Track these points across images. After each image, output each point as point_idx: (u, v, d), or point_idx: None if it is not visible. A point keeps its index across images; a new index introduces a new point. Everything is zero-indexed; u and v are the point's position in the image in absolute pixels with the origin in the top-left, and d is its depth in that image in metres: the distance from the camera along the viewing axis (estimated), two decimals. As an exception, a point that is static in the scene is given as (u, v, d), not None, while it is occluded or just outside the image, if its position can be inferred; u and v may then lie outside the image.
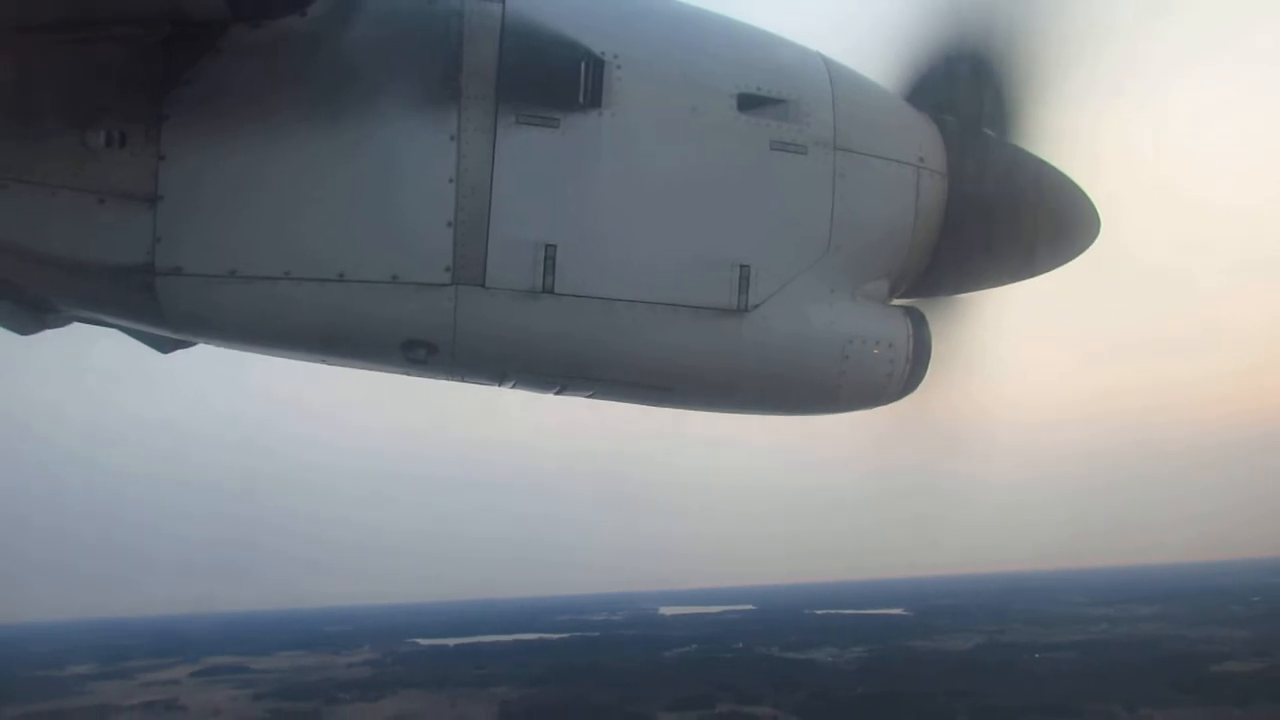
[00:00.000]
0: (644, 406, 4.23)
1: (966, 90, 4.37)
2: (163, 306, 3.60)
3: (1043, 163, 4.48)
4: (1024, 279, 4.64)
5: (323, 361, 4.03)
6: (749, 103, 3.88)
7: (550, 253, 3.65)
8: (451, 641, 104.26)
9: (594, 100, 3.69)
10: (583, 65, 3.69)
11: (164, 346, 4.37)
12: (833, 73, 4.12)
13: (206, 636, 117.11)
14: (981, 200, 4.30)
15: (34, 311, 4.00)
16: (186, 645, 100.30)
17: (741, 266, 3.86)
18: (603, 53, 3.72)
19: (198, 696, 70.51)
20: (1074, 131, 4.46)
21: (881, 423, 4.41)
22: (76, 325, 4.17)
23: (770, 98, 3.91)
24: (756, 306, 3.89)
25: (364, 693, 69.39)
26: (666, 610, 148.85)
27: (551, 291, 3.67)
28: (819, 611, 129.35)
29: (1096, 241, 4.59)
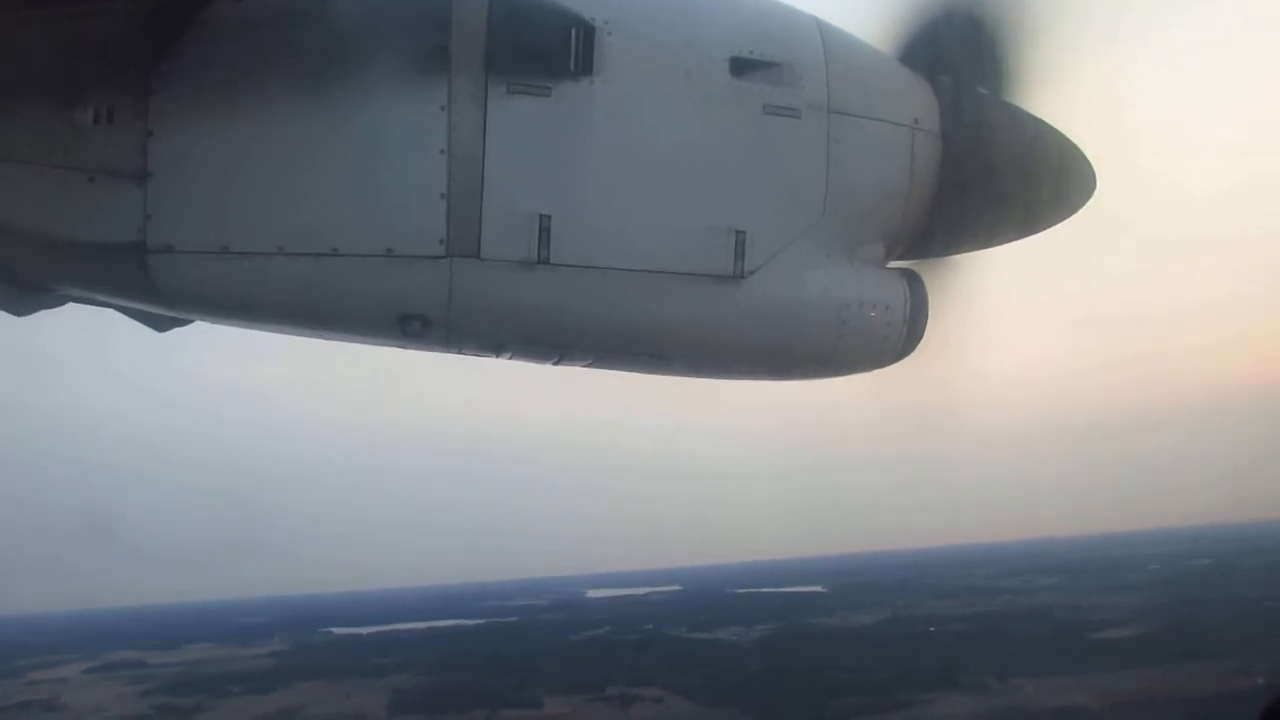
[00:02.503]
0: (631, 375, 4.21)
1: (960, 50, 4.33)
2: (156, 285, 3.56)
3: (1038, 121, 4.43)
4: (1020, 238, 4.61)
5: (317, 337, 3.99)
6: (741, 67, 3.84)
7: (545, 223, 3.62)
8: (365, 630, 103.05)
9: (585, 67, 3.65)
10: (573, 32, 3.63)
11: (160, 325, 4.26)
12: (825, 35, 4.08)
13: (113, 630, 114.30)
14: (977, 160, 4.26)
15: (28, 292, 3.94)
16: (89, 640, 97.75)
17: (737, 233, 3.83)
18: (593, 19, 3.67)
19: (82, 695, 68.62)
20: (1068, 89, 4.43)
21: (876, 386, 4.38)
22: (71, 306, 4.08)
23: (763, 61, 3.87)
24: (752, 273, 3.87)
25: (257, 685, 68.24)
26: (593, 593, 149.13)
27: (547, 262, 3.64)
28: (740, 591, 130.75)
29: (1092, 199, 4.57)
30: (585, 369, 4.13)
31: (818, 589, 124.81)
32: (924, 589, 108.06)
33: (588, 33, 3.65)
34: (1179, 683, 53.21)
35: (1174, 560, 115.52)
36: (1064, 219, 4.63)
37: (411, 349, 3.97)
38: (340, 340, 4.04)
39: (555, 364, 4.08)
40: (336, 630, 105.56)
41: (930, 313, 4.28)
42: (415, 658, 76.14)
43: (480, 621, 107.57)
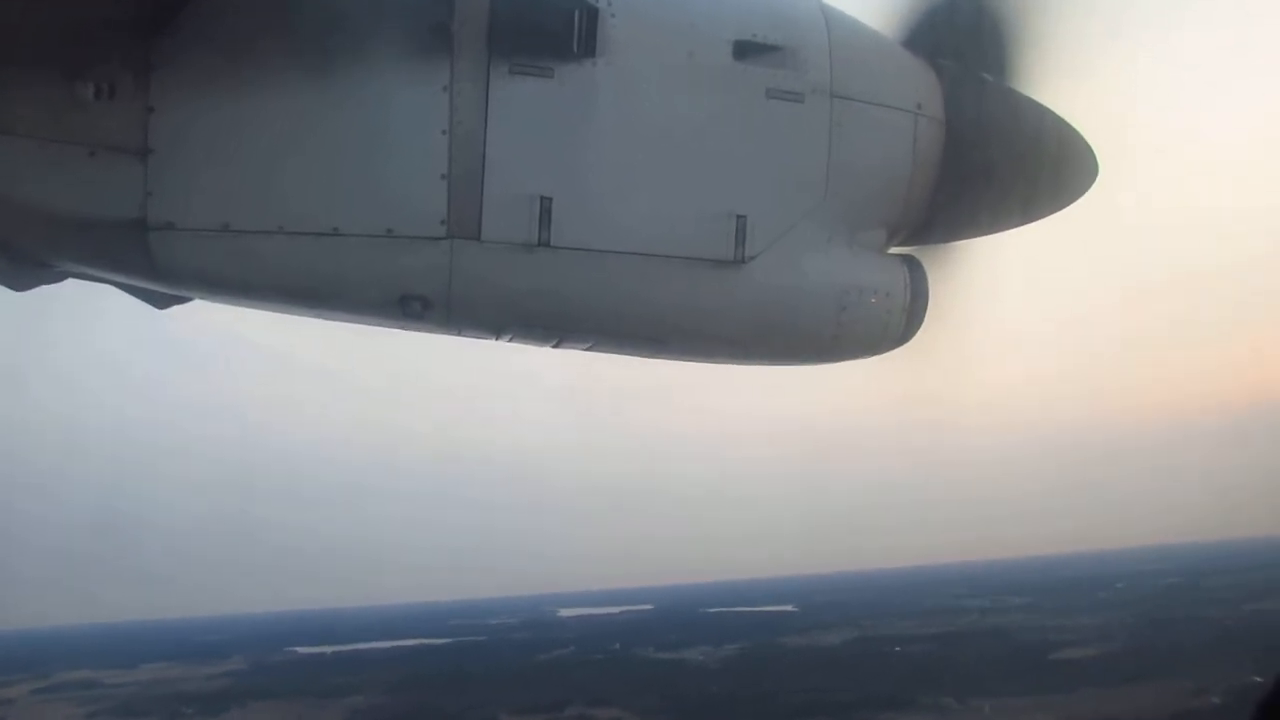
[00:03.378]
0: (641, 360, 4.18)
1: (964, 35, 4.30)
2: (156, 262, 3.52)
3: (1041, 107, 4.40)
4: (1022, 225, 4.56)
5: (317, 317, 3.93)
6: (745, 50, 3.80)
7: (546, 205, 3.59)
8: (329, 649, 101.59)
9: (588, 49, 3.60)
10: (576, 13, 3.58)
11: (159, 302, 4.19)
12: (829, 19, 4.03)
13: (70, 649, 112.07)
14: (979, 146, 4.22)
15: (27, 267, 3.89)
16: (42, 660, 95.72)
17: (738, 217, 3.80)
18: (596, 0, 3.62)
19: (28, 716, 67.11)
20: (1072, 76, 4.38)
21: (878, 372, 4.33)
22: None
23: (766, 45, 3.83)
24: (754, 257, 3.83)
25: (209, 706, 67.02)
26: (566, 612, 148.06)
27: (547, 244, 3.61)
28: (713, 610, 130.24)
29: (1094, 185, 4.52)
30: (585, 352, 4.10)
31: (790, 608, 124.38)
32: (894, 609, 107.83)
33: (591, 14, 3.61)
34: (1134, 703, 53.22)
35: (1142, 579, 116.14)
36: (1066, 206, 4.58)
37: (412, 330, 3.93)
38: (340, 321, 3.97)
39: (555, 347, 4.04)
40: (300, 649, 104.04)
41: (930, 299, 4.24)
42: (375, 677, 75.09)
43: (447, 640, 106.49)
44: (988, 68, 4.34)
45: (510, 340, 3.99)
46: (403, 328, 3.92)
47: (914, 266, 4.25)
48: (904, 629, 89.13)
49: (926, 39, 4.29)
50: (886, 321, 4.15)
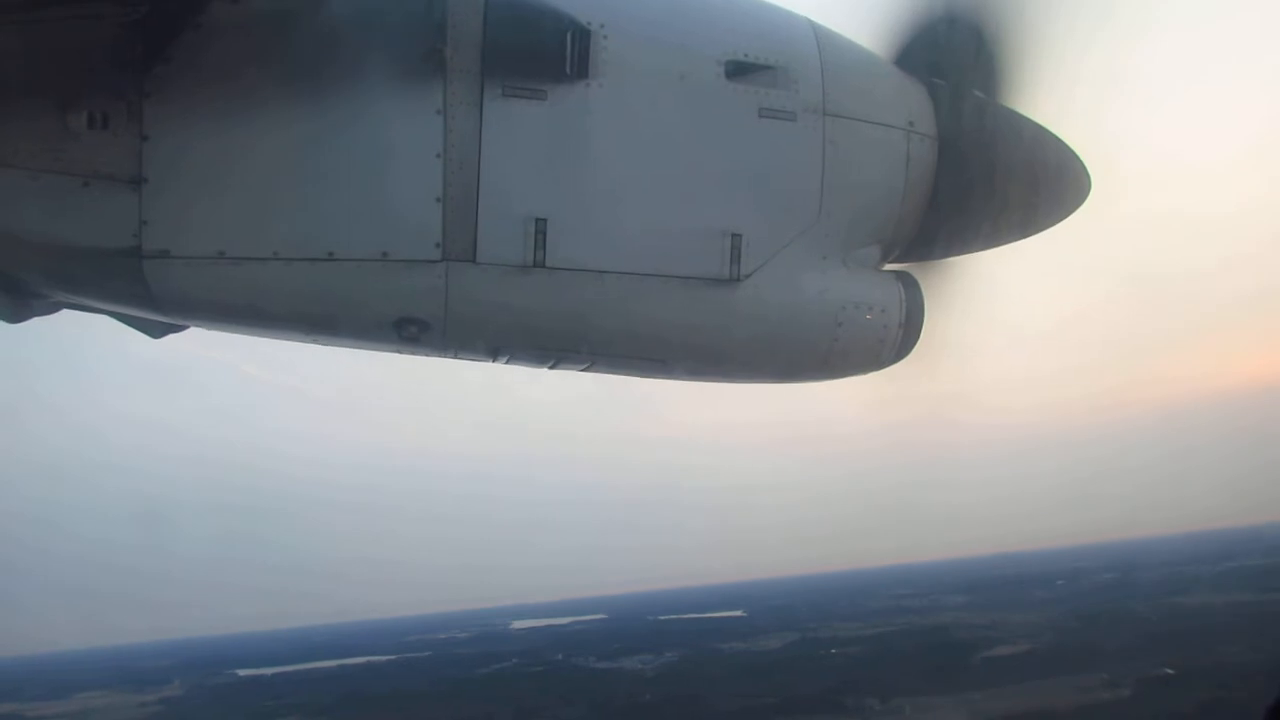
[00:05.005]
0: (641, 378, 4.16)
1: (956, 53, 4.28)
2: (151, 290, 3.51)
3: (1034, 124, 4.41)
4: (1015, 241, 4.57)
5: (314, 342, 3.90)
6: (737, 70, 3.82)
7: (541, 226, 3.59)
8: (271, 671, 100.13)
9: (581, 71, 3.63)
10: (569, 35, 3.62)
11: (155, 331, 4.18)
12: (821, 38, 4.05)
13: (4, 680, 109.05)
14: (972, 163, 4.23)
15: (22, 298, 3.85)
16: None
17: (733, 236, 3.80)
18: (589, 22, 3.66)
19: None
20: (1064, 94, 4.39)
21: (870, 389, 4.31)
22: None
23: (759, 64, 3.85)
24: (749, 275, 3.84)
25: (131, 734, 65.63)
26: (518, 624, 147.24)
27: (543, 265, 3.61)
28: (664, 617, 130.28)
29: (1087, 201, 4.54)
30: (582, 373, 4.09)
31: (739, 614, 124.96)
32: (840, 611, 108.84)
33: (583, 36, 3.65)
34: (1047, 698, 54.26)
35: (1081, 575, 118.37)
36: (1059, 222, 4.63)
37: (409, 354, 3.91)
38: (337, 345, 3.96)
39: (552, 368, 4.04)
40: (241, 672, 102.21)
41: (926, 315, 4.25)
42: (309, 699, 74.02)
43: (392, 658, 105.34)
44: (979, 85, 4.37)
45: (507, 362, 3.99)
46: (399, 351, 3.91)
47: (909, 283, 4.27)
48: (845, 631, 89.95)
49: (919, 57, 4.33)
50: (883, 338, 4.16)
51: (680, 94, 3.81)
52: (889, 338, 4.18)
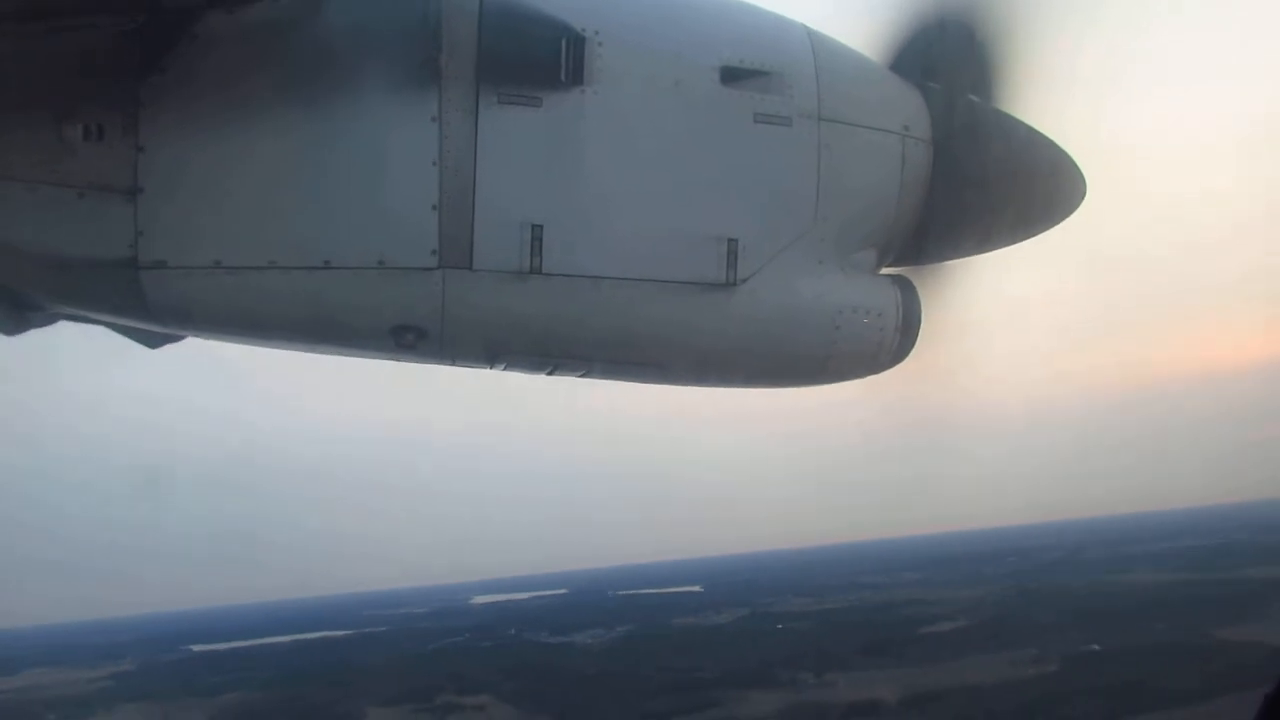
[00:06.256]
0: (639, 383, 4.18)
1: (951, 57, 4.30)
2: (148, 301, 3.53)
3: (1028, 127, 4.43)
4: (1011, 244, 4.60)
5: (312, 350, 3.93)
6: (732, 75, 3.84)
7: (537, 233, 3.60)
8: (225, 646, 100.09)
9: (576, 77, 3.65)
10: (564, 42, 3.63)
11: (152, 341, 4.17)
12: (815, 43, 4.06)
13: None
14: (967, 167, 4.25)
15: (18, 310, 3.86)
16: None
17: (729, 241, 3.82)
18: (583, 29, 3.67)
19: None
20: (1059, 97, 4.42)
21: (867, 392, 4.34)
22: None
23: (753, 70, 3.87)
24: (745, 280, 3.86)
25: (74, 711, 65.33)
26: (479, 599, 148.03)
27: (539, 272, 3.63)
28: (623, 593, 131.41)
29: (1082, 205, 4.56)
30: (579, 379, 4.10)
31: (696, 589, 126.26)
32: (795, 586, 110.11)
33: (578, 43, 3.66)
34: (977, 673, 55.50)
35: (1031, 553, 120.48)
36: (1054, 226, 4.66)
37: (405, 361, 3.92)
38: (334, 354, 3.98)
39: (549, 374, 4.05)
40: (196, 647, 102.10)
41: (923, 319, 4.27)
42: (258, 674, 74.20)
43: (348, 632, 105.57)
44: (975, 90, 4.39)
45: (505, 369, 4.00)
46: (396, 359, 3.92)
47: (906, 287, 4.27)
48: (795, 606, 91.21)
49: (913, 62, 4.35)
50: (880, 341, 4.18)
51: (675, 100, 3.84)
52: (886, 341, 4.21)
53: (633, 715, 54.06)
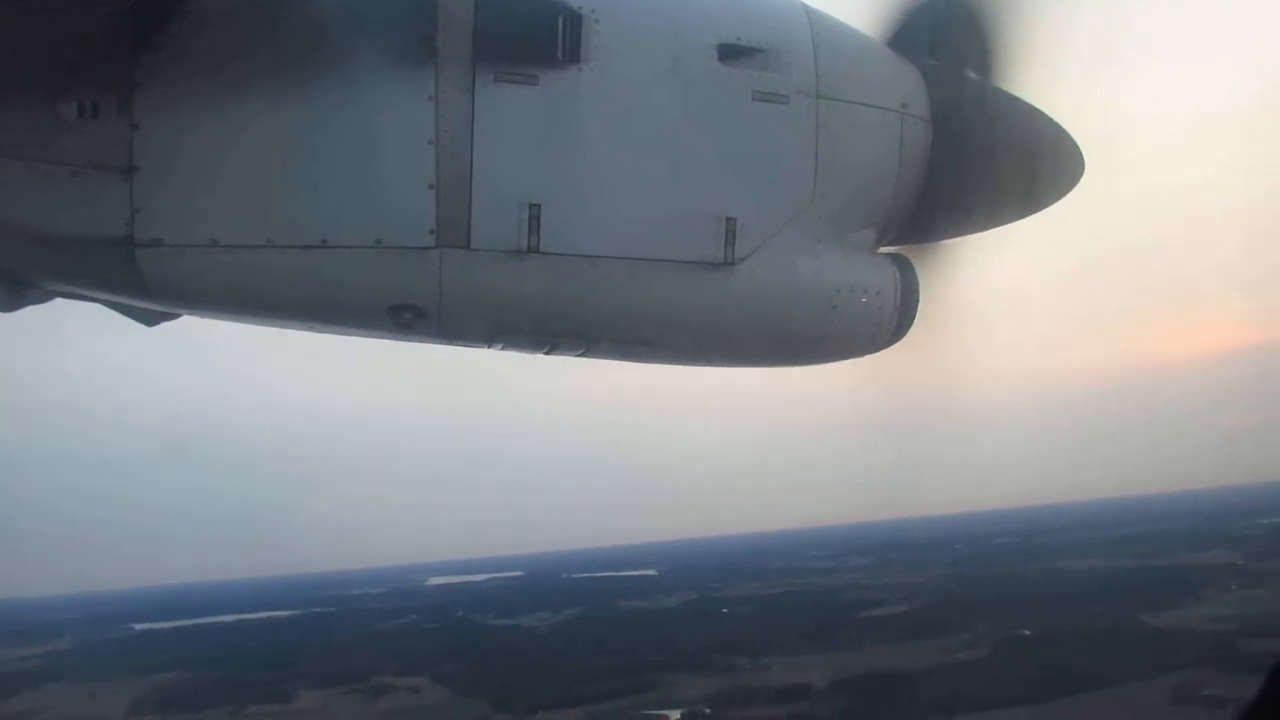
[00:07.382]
0: (637, 363, 4.18)
1: (949, 34, 4.29)
2: (145, 279, 3.53)
3: (1027, 106, 4.42)
4: (1009, 222, 4.59)
5: (309, 329, 3.92)
6: (730, 53, 3.82)
7: (534, 212, 3.60)
8: (167, 625, 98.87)
9: (573, 55, 3.63)
10: (560, 20, 3.61)
11: (148, 319, 4.14)
12: (813, 20, 4.04)
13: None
14: (966, 145, 4.24)
15: (14, 287, 3.85)
16: None
17: (727, 219, 3.81)
18: (580, 7, 3.66)
19: None
20: (1058, 74, 4.38)
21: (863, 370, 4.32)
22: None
23: (751, 47, 3.84)
24: (743, 259, 3.84)
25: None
26: (434, 581, 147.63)
27: (537, 251, 3.62)
28: (577, 576, 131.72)
29: (1081, 183, 4.54)
30: (577, 358, 4.09)
31: (651, 572, 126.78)
32: (748, 570, 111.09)
33: (575, 21, 3.64)
34: (910, 657, 56.24)
35: (979, 540, 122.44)
36: (1052, 204, 4.63)
37: (403, 340, 3.92)
38: (331, 333, 3.96)
39: (547, 354, 4.04)
40: (138, 626, 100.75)
41: (921, 297, 4.25)
42: (196, 653, 73.34)
43: (295, 613, 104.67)
44: (973, 67, 4.36)
45: (502, 348, 3.97)
46: (394, 338, 3.90)
47: (904, 265, 4.26)
48: (745, 591, 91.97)
49: (911, 39, 4.32)
50: (878, 320, 4.16)
51: (673, 78, 3.82)
52: (884, 320, 4.21)
53: (567, 698, 54.09)
